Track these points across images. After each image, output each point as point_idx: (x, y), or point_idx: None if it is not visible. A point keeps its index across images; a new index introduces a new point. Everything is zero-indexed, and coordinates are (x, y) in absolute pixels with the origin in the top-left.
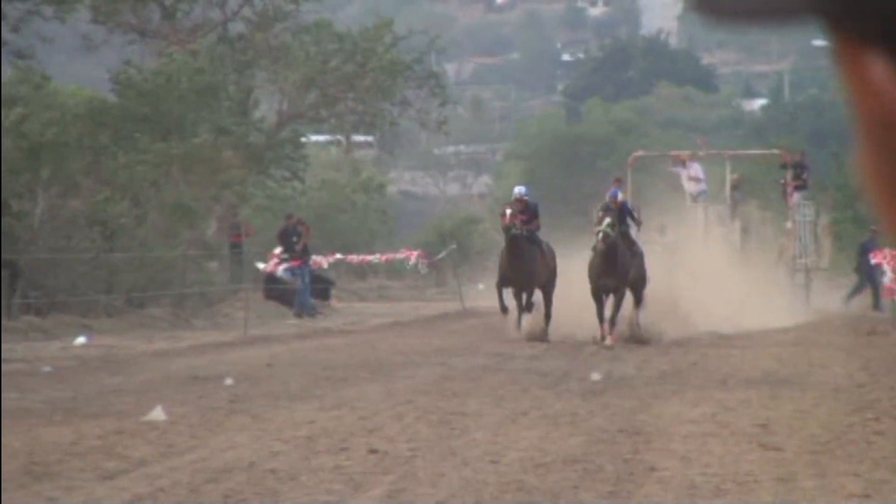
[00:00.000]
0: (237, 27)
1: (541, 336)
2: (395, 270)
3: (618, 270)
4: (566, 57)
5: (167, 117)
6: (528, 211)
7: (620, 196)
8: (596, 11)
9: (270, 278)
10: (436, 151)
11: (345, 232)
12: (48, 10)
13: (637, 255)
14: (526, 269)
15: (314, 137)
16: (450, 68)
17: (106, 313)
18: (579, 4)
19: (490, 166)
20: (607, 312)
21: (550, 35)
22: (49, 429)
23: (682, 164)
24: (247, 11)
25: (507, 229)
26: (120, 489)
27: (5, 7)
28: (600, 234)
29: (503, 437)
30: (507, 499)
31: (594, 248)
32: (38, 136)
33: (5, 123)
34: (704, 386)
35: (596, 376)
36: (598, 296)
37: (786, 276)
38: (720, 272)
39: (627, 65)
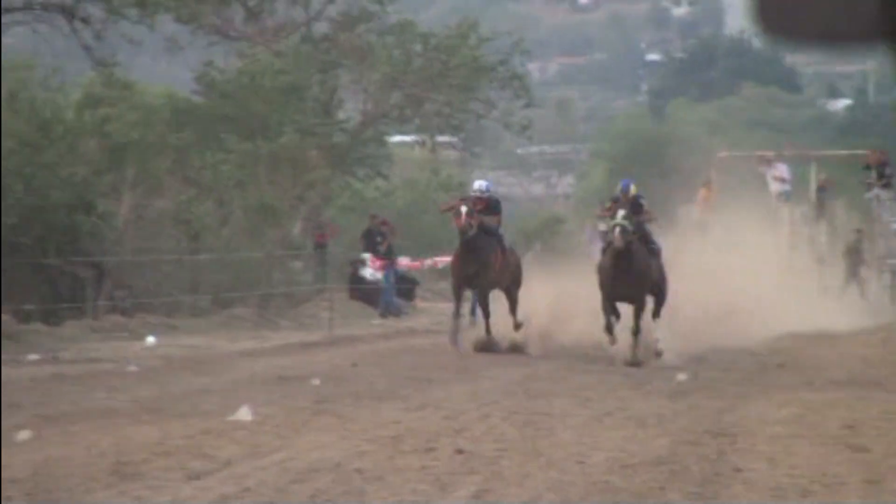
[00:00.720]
0: (321, 27)
1: (517, 345)
2: None
3: (636, 274)
4: (650, 57)
5: (252, 117)
6: (488, 209)
7: (633, 189)
8: (680, 11)
9: (355, 278)
10: (519, 151)
11: (429, 232)
12: (132, 14)
13: (656, 253)
14: (481, 265)
15: (398, 138)
16: (534, 68)
17: (191, 313)
18: (663, 4)
19: (574, 166)
20: (623, 325)
21: (634, 35)
22: (136, 428)
23: (769, 164)
24: (331, 11)
25: (462, 231)
26: (206, 489)
27: (90, 9)
28: (616, 229)
29: (589, 438)
30: (593, 499)
31: (605, 248)
32: (123, 137)
33: (90, 124)
34: (791, 387)
35: (682, 377)
36: (611, 306)
37: (873, 277)
38: (801, 272)
39: (711, 65)
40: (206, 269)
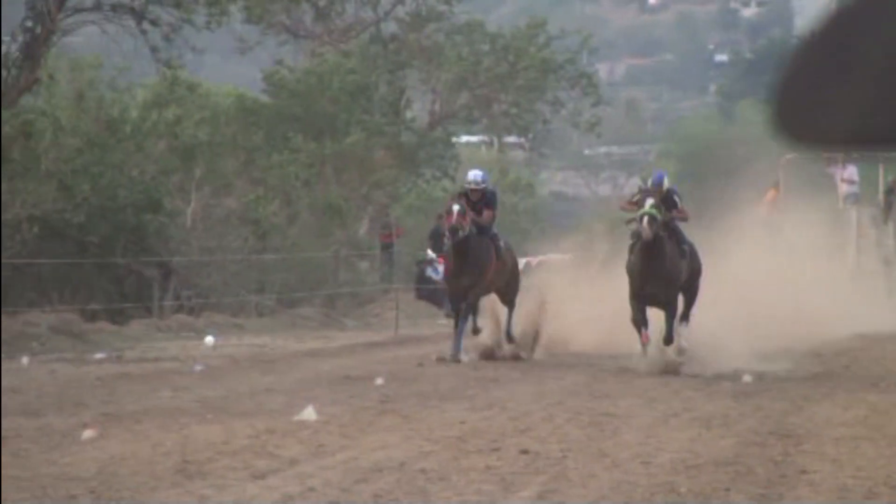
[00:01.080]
0: (390, 27)
1: (511, 351)
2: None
3: (667, 270)
4: (719, 58)
5: (319, 117)
6: (482, 202)
7: (667, 182)
8: (749, 12)
9: (421, 278)
10: (587, 152)
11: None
12: (200, 19)
13: (688, 254)
14: (474, 270)
15: (466, 138)
16: (602, 69)
17: (257, 313)
18: (732, 5)
19: (642, 167)
20: (658, 328)
21: (703, 36)
22: (201, 427)
23: (838, 165)
24: (399, 12)
25: (452, 232)
26: (271, 488)
27: (157, 12)
28: (644, 219)
29: (654, 439)
30: (657, 500)
31: (632, 244)
32: (192, 137)
33: (160, 125)
34: (856, 388)
35: (747, 378)
36: (641, 308)
37: None
38: (868, 275)
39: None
40: (272, 268)
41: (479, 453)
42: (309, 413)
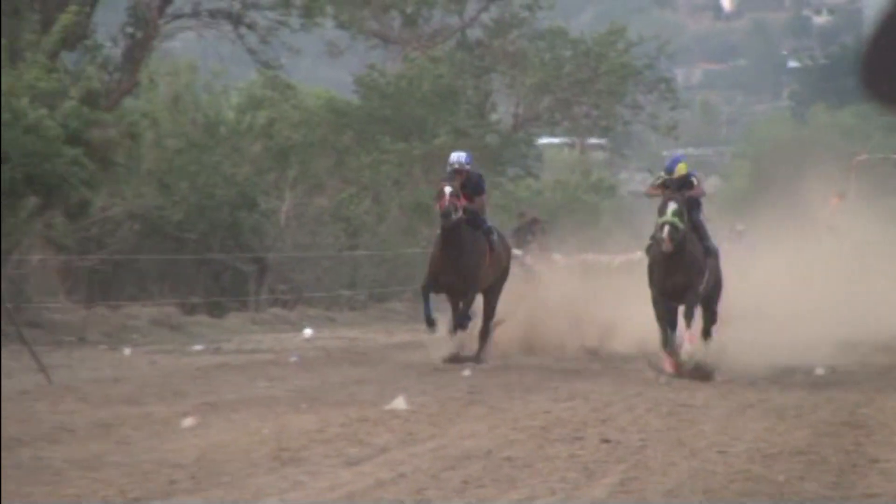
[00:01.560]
0: (475, 33)
1: (473, 356)
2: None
3: (690, 279)
4: (791, 64)
5: (408, 119)
6: (469, 186)
7: (682, 167)
8: (820, 20)
9: None
10: (665, 153)
11: (579, 232)
12: (294, 23)
13: (712, 253)
14: (466, 268)
15: (548, 139)
16: (679, 74)
17: (349, 307)
18: (805, 13)
19: (718, 168)
20: (680, 332)
21: (776, 42)
22: (295, 416)
23: None
24: (485, 18)
25: (444, 215)
26: (363, 474)
27: (253, 17)
28: (665, 229)
29: (730, 429)
30: (734, 488)
31: (651, 248)
32: (286, 139)
33: (254, 126)
34: None
35: (819, 371)
36: (663, 301)
37: None
38: None
39: (851, 72)
40: (363, 264)
41: (563, 442)
42: (399, 403)
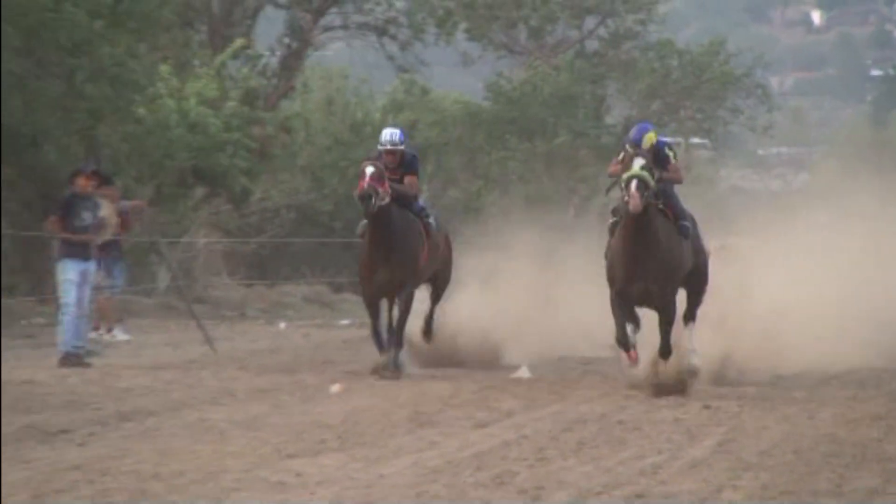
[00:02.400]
0: (592, 45)
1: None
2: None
3: (661, 256)
4: (874, 72)
5: (532, 121)
6: (401, 168)
7: (651, 136)
8: None
9: None
10: (760, 152)
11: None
12: (430, 37)
13: (689, 236)
14: (401, 254)
15: None
16: (773, 81)
17: None
18: (887, 27)
19: (807, 166)
20: (640, 334)
21: (861, 53)
22: (431, 383)
23: None
24: (601, 31)
25: (364, 198)
26: (490, 435)
27: (395, 30)
28: (632, 183)
29: (817, 396)
30: (821, 450)
31: (613, 222)
32: (424, 138)
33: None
34: None
35: None
36: (625, 304)
37: None
38: None
39: None
40: None
41: (668, 408)
42: (523, 372)
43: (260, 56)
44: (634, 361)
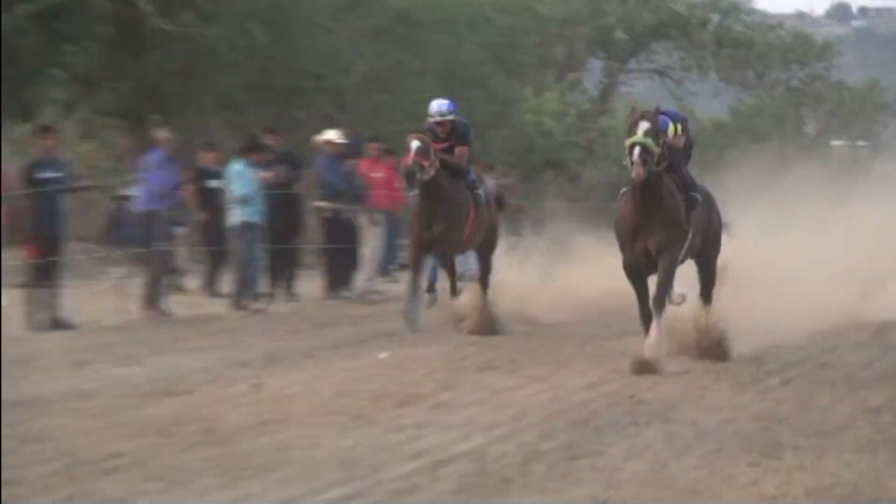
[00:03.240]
0: (795, 82)
1: (484, 324)
2: None
3: (664, 222)
4: None
5: (757, 132)
6: (452, 137)
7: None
8: None
9: None
10: None
11: None
12: (694, 76)
13: (698, 203)
14: (449, 221)
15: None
16: None
17: None
18: None
19: None
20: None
21: None
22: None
23: None
24: (800, 73)
25: (407, 176)
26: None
27: (672, 71)
28: (636, 150)
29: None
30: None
31: (623, 192)
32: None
33: None
34: None
35: None
36: (636, 272)
37: None
38: None
39: None
40: None
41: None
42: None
43: (585, 89)
44: (657, 334)
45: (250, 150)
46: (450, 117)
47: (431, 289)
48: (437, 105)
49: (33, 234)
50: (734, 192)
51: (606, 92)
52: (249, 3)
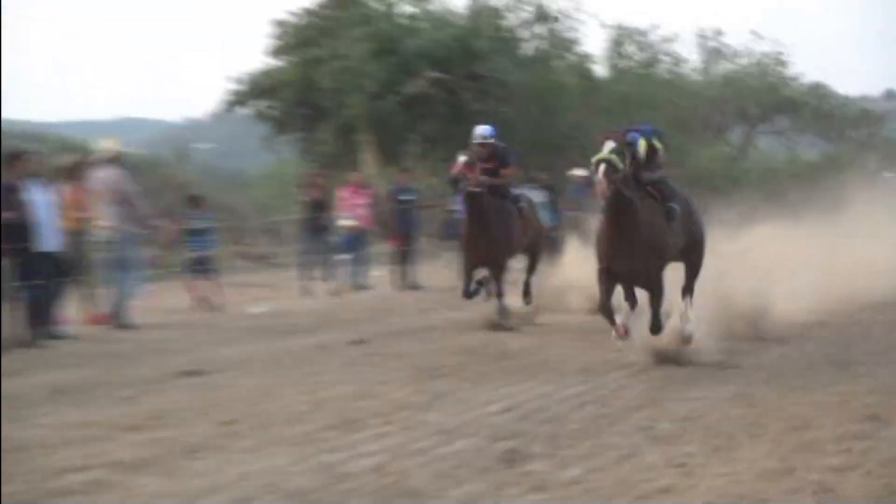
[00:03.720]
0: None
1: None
2: None
3: (641, 238)
4: None
5: (831, 162)
6: (495, 159)
7: (642, 145)
8: None
9: None
10: None
11: None
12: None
13: (676, 217)
14: (496, 236)
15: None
16: None
17: None
18: None
19: None
20: (641, 314)
21: None
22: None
23: None
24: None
25: (453, 182)
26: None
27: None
28: (601, 168)
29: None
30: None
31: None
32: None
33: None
34: None
35: None
36: (613, 281)
37: None
38: None
39: None
40: None
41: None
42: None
43: (731, 141)
44: (623, 334)
45: (530, 181)
46: (490, 140)
47: (480, 286)
48: (481, 129)
49: (397, 232)
50: (828, 209)
51: (743, 146)
52: (527, 92)
